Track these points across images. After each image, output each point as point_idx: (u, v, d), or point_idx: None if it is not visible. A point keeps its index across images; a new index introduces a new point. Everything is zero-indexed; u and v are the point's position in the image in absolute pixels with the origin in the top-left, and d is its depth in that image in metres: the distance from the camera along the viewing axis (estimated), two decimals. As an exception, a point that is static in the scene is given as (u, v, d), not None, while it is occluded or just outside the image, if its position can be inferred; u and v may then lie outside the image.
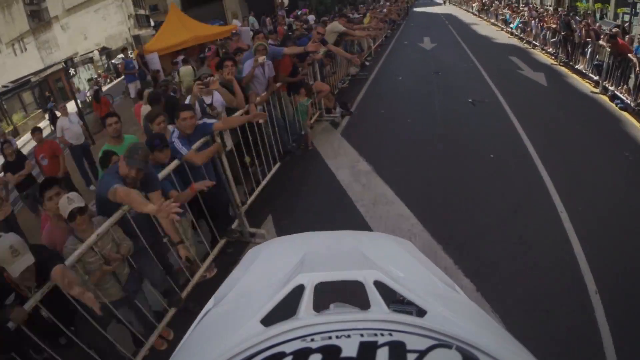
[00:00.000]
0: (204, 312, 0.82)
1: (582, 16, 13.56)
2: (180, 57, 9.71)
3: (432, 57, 12.20)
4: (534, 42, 13.08)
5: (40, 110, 16.75)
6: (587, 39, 8.92)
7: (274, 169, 4.92)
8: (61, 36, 23.97)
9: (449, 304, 0.71)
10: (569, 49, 10.09)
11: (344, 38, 7.80)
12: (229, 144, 3.85)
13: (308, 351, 0.48)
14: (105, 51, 24.22)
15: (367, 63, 11.64)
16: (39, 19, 22.41)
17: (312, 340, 0.50)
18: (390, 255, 0.92)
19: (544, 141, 5.46)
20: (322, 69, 7.36)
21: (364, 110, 7.53)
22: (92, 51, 23.20)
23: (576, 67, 9.40)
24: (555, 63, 10.51)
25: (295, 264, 0.78)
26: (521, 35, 14.70)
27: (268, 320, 0.59)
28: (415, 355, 0.46)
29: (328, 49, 6.47)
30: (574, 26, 10.01)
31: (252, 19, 17.62)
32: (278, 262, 0.89)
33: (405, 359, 0.45)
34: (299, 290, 0.64)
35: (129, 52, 13.77)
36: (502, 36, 16.10)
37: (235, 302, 0.78)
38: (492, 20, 20.09)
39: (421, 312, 0.60)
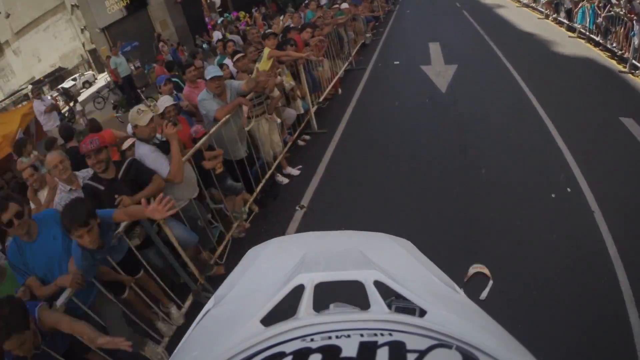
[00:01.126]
0: (203, 312, 0.82)
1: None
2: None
3: (459, 131, 5.45)
4: (634, 61, 7.11)
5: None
6: None
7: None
8: (15, 62, 21.83)
9: (449, 304, 0.71)
10: None
11: None
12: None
13: (308, 351, 0.48)
14: (52, 76, 20.89)
15: (293, 173, 5.06)
16: (-10, 46, 20.81)
17: (312, 340, 0.50)
18: (390, 255, 0.92)
19: None
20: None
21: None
22: (24, 87, 19.91)
23: None
24: None
25: (295, 264, 0.78)
26: (593, 37, 8.90)
27: (268, 320, 0.59)
28: (415, 355, 0.46)
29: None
30: None
31: (116, 60, 9.88)
32: (278, 262, 0.89)
33: (405, 359, 0.45)
34: (299, 290, 0.64)
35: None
36: (557, 34, 9.95)
37: (235, 302, 0.78)
38: (525, 1, 14.40)
39: (421, 312, 0.60)
